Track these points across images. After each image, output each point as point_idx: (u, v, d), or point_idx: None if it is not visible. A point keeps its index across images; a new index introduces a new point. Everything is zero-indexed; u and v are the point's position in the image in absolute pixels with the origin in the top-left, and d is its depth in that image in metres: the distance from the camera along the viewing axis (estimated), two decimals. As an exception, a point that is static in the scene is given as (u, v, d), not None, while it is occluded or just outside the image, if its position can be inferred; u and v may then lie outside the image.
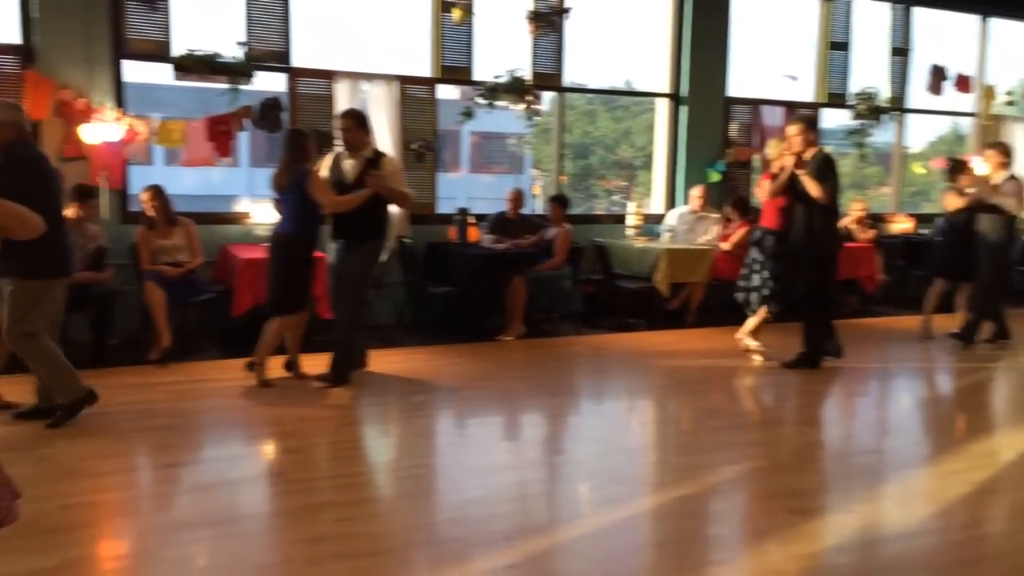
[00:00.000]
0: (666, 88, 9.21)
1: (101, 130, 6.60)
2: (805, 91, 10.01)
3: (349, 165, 5.70)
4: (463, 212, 7.65)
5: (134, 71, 6.96)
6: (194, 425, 5.09)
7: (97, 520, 3.76)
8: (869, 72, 11.16)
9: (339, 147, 5.86)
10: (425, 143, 7.89)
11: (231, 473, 4.27)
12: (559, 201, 8.11)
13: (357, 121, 5.73)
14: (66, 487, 3.96)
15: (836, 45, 9.82)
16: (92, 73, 6.65)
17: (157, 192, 6.57)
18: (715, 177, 9.15)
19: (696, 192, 8.68)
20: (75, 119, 6.59)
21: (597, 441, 4.96)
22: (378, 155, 5.78)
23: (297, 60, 7.42)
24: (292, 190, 5.52)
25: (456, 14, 7.61)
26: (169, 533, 3.53)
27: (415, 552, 3.42)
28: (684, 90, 9.12)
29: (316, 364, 5.85)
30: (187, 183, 19.01)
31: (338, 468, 4.53)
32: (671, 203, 9.26)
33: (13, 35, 6.59)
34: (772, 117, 9.53)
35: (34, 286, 4.58)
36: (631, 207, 8.85)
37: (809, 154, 6.24)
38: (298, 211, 5.55)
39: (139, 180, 7.20)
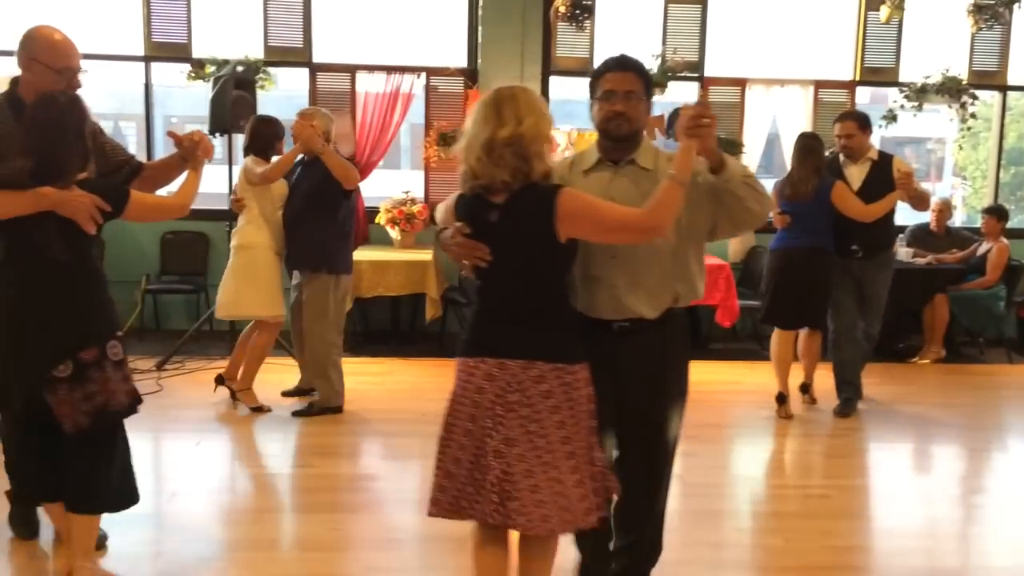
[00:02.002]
0: None
1: (528, 142, 7.22)
2: None
3: (854, 172, 5.30)
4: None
5: (558, 87, 7.54)
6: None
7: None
8: None
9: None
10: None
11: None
12: (996, 213, 7.22)
13: (860, 124, 5.31)
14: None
15: None
16: (523, 90, 7.30)
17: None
18: None
19: None
20: (506, 132, 7.28)
21: (1031, 485, 4.35)
22: (884, 157, 5.32)
23: (710, 69, 7.49)
24: (815, 200, 5.15)
25: (885, 12, 7.13)
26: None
27: (820, 574, 3.27)
28: None
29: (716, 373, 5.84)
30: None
31: (739, 478, 4.50)
32: None
33: (461, 60, 7.48)
34: None
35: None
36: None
37: None
38: (823, 222, 5.18)
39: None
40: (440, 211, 2.66)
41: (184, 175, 3.18)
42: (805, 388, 5.53)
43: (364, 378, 5.67)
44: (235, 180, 5.40)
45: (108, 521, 3.45)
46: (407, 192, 7.33)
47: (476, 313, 2.49)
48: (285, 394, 5.37)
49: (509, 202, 2.35)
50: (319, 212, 4.93)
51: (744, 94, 7.45)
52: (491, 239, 2.37)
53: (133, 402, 2.92)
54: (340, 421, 5.02)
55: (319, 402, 5.13)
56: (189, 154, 3.11)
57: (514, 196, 2.34)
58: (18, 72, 3.04)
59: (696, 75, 7.46)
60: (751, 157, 7.51)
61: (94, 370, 2.77)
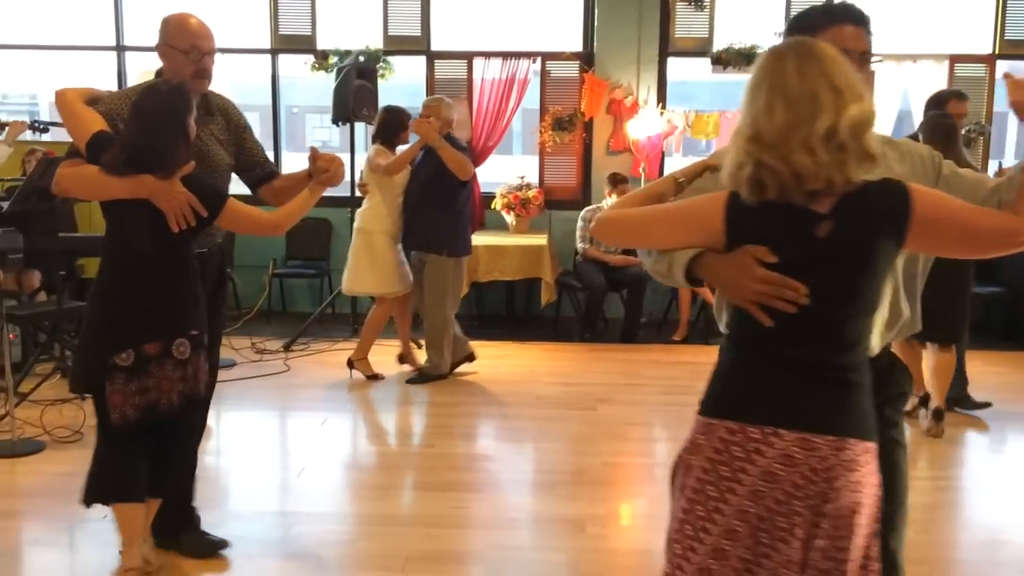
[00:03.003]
0: None
1: (644, 125, 7.16)
2: None
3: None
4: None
5: (675, 68, 7.42)
6: (715, 406, 5.27)
7: (627, 480, 4.12)
8: None
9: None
10: (977, 126, 7.10)
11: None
12: None
13: None
14: (606, 447, 4.42)
15: None
16: (640, 72, 7.23)
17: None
18: None
19: None
20: (623, 116, 7.24)
21: None
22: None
23: (834, 46, 7.22)
24: None
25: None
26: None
27: (949, 568, 3.14)
28: None
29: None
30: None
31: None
32: None
33: (576, 44, 7.45)
34: None
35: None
36: None
37: None
38: None
39: (669, 170, 7.65)
40: (658, 222, 1.80)
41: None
42: (938, 414, 4.54)
43: (479, 361, 5.75)
44: (356, 168, 5.60)
45: (240, 492, 3.63)
46: (522, 177, 7.37)
47: (754, 358, 1.72)
48: (407, 373, 5.61)
49: (841, 209, 1.64)
50: (438, 198, 5.20)
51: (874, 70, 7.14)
52: (809, 263, 1.65)
53: (184, 404, 2.81)
54: (457, 403, 5.11)
55: (428, 369, 5.46)
56: (316, 173, 2.95)
57: (846, 200, 1.64)
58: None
59: (820, 52, 7.20)
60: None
61: (154, 365, 2.73)
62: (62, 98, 2.82)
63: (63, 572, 3.14)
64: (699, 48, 7.20)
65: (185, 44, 2.88)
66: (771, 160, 1.62)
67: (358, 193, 5.67)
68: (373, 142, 5.49)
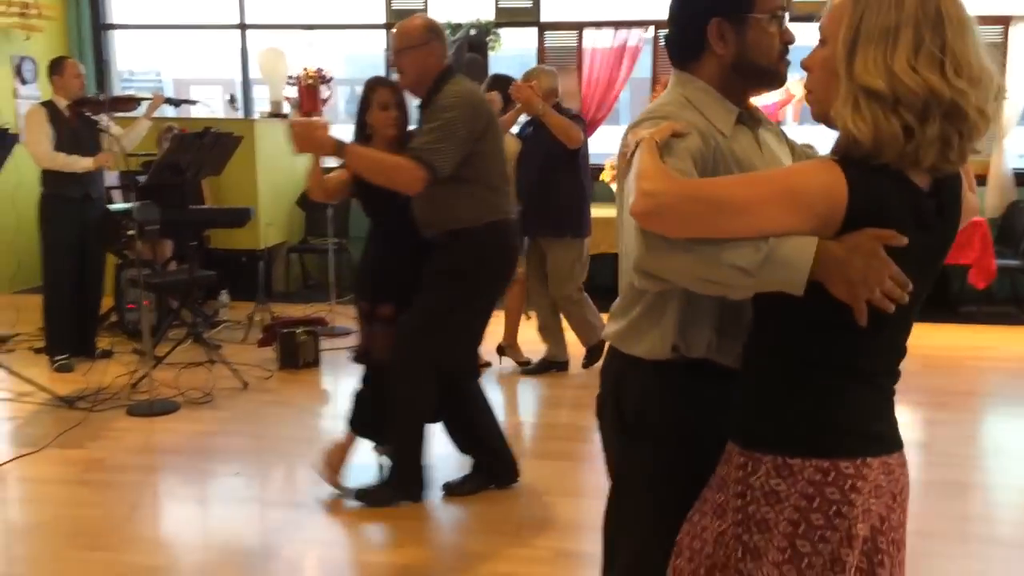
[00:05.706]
0: None
1: (762, 96, 6.96)
2: None
3: None
4: None
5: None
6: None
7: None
8: None
9: None
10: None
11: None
12: None
13: None
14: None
15: None
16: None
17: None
18: None
19: None
20: (736, 84, 7.06)
21: None
22: None
23: (970, 6, 6.83)
24: None
25: None
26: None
27: None
28: None
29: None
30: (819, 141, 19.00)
31: (990, 449, 4.20)
32: None
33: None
34: None
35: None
36: None
37: None
38: None
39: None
40: (762, 202, 1.30)
41: None
42: None
43: (589, 333, 5.76)
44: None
45: (356, 456, 3.77)
46: (632, 148, 7.30)
47: (860, 383, 1.41)
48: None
49: (940, 191, 1.36)
50: (556, 175, 4.85)
51: (1008, 33, 6.74)
52: (915, 252, 1.32)
53: None
54: (563, 374, 5.14)
55: (548, 356, 5.20)
56: None
57: (943, 181, 1.37)
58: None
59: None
60: (1014, 105, 6.81)
61: None
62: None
63: (196, 524, 3.35)
64: (816, 12, 6.93)
65: None
66: (974, 109, 1.29)
67: None
68: None
